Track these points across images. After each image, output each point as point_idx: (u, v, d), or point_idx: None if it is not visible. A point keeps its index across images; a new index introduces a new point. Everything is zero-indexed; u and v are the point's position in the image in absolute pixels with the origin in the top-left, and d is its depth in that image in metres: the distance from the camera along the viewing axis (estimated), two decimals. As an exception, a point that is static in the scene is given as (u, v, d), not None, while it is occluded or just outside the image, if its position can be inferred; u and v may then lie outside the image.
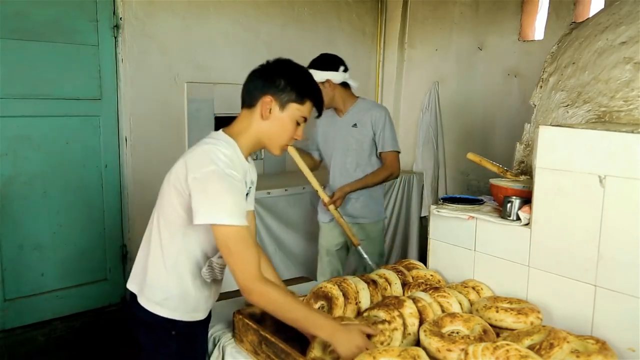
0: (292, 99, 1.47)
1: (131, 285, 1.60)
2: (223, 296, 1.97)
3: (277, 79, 1.46)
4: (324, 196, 2.67)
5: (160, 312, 1.52)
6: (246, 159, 1.52)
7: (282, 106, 1.47)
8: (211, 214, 1.36)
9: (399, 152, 2.79)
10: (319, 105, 1.53)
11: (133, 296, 1.58)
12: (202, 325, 1.65)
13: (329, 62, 2.71)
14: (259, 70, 1.51)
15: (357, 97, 2.83)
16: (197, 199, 1.37)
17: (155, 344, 1.58)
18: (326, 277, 2.94)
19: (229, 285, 1.63)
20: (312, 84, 1.52)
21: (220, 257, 1.49)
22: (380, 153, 2.77)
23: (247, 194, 1.54)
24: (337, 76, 2.69)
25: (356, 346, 1.31)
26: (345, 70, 2.74)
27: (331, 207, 2.67)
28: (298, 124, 1.51)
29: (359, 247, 2.68)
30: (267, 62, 1.52)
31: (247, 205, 1.58)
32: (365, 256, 2.67)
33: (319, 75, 2.65)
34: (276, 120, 1.47)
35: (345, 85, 2.76)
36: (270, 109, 1.46)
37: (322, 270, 3.02)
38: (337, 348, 1.33)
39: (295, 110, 1.48)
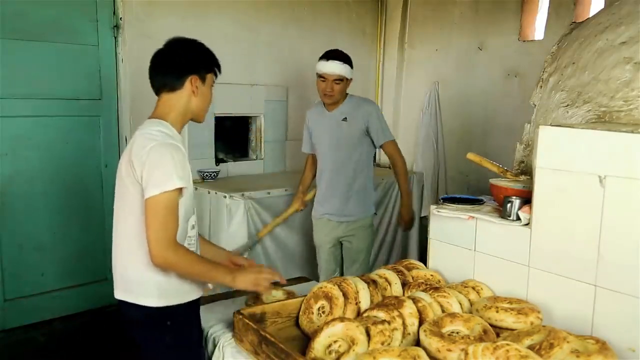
0: (207, 70, 1.69)
1: (117, 293, 1.65)
2: (222, 296, 1.97)
3: (192, 59, 1.66)
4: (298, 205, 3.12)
5: (150, 304, 1.56)
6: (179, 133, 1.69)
7: (203, 80, 1.68)
8: (158, 185, 1.47)
9: (394, 141, 2.91)
10: (219, 68, 1.75)
11: (121, 302, 1.62)
12: (194, 310, 1.67)
13: (350, 59, 2.80)
14: (168, 58, 1.67)
15: (347, 94, 2.89)
16: (145, 176, 1.50)
17: (150, 339, 1.60)
18: (322, 276, 2.97)
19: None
20: (210, 52, 1.72)
21: (194, 227, 1.64)
22: (381, 146, 2.86)
23: None
24: (352, 74, 2.82)
25: (252, 280, 1.58)
26: None
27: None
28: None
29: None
30: (168, 46, 1.68)
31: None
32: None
33: (349, 71, 2.76)
34: (203, 93, 1.70)
35: None
36: (197, 86, 1.66)
37: (320, 269, 3.07)
38: (238, 287, 1.58)
39: (210, 79, 1.72)
